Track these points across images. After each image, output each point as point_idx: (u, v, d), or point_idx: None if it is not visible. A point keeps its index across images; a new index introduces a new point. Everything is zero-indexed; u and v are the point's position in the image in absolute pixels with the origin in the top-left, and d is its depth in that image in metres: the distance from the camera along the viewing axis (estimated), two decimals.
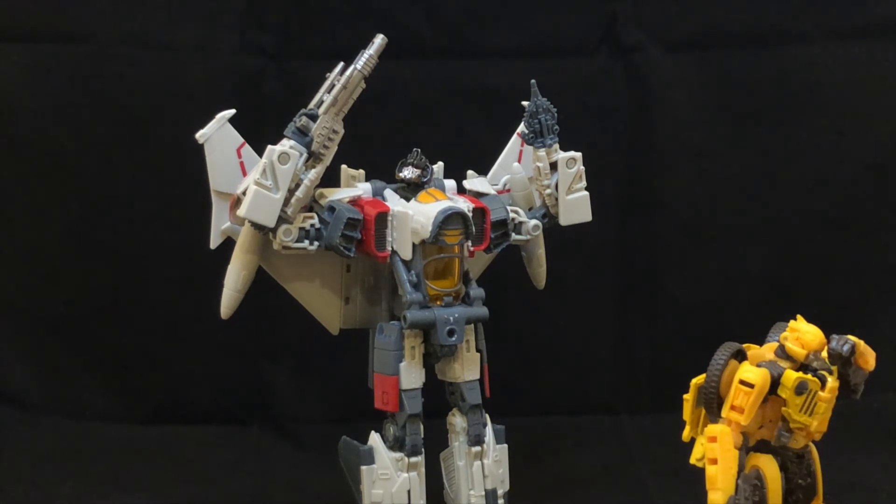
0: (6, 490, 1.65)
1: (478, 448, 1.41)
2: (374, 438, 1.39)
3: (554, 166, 1.42)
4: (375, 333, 1.40)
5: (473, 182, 1.46)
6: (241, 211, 1.32)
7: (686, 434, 1.28)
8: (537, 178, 1.43)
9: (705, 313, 1.93)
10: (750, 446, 1.26)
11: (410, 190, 1.40)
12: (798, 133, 1.91)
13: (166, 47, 1.82)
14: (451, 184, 1.44)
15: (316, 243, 1.35)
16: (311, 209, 1.38)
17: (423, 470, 1.40)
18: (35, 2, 1.81)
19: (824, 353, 1.24)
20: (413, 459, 1.38)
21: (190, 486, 1.68)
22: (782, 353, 1.25)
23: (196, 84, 1.82)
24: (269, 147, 1.32)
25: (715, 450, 1.20)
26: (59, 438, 1.83)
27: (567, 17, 1.86)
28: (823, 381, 1.23)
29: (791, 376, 1.22)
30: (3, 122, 1.83)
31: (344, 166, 1.42)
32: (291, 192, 1.32)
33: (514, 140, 1.50)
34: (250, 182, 1.32)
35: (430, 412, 1.39)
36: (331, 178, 1.40)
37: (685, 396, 1.26)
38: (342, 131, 1.35)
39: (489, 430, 1.42)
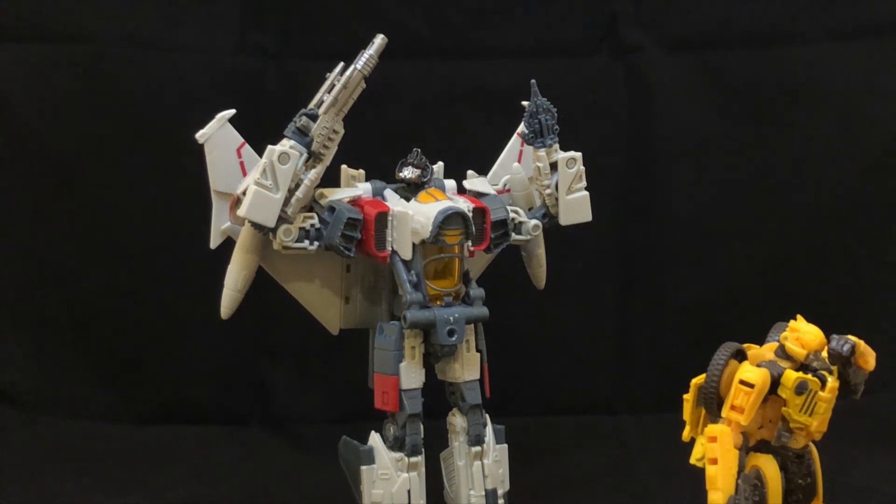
0: (6, 490, 1.65)
1: (478, 448, 1.41)
2: (374, 438, 1.39)
3: (554, 166, 1.42)
4: (375, 333, 1.40)
5: (473, 182, 1.46)
6: (241, 211, 1.32)
7: (686, 434, 1.27)
8: (537, 178, 1.43)
9: (705, 313, 1.92)
10: (750, 446, 1.25)
11: (410, 190, 1.40)
12: (798, 133, 1.91)
13: (166, 47, 1.82)
14: (451, 184, 1.44)
15: (316, 243, 1.35)
16: (311, 209, 1.37)
17: (423, 470, 1.40)
18: (35, 2, 1.81)
19: (824, 353, 1.24)
20: (413, 459, 1.38)
21: (190, 486, 1.68)
22: (782, 353, 1.25)
23: (196, 84, 1.82)
24: (269, 147, 1.31)
25: (715, 450, 1.20)
26: (59, 438, 1.83)
27: (567, 17, 1.86)
28: (823, 381, 1.22)
29: (791, 376, 1.22)
30: (4, 122, 1.83)
31: (344, 166, 1.42)
32: (291, 192, 1.32)
33: (514, 140, 1.50)
34: (250, 182, 1.32)
35: (430, 412, 1.39)
36: (331, 178, 1.40)
37: (685, 396, 1.26)
38: (342, 131, 1.35)
39: (489, 430, 1.42)
